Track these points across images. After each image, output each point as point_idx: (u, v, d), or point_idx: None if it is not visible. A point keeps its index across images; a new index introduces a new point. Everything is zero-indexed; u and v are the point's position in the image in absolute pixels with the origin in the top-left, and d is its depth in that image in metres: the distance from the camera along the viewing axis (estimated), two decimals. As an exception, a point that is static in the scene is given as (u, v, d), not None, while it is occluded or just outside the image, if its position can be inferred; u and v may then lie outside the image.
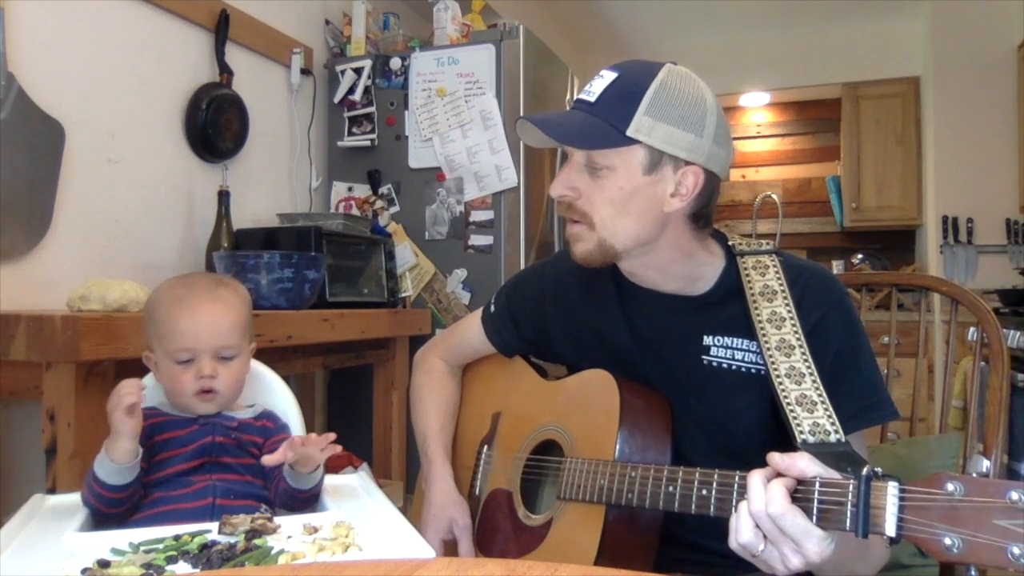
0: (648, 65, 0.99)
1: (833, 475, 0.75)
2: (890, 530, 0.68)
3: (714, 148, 0.97)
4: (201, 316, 0.99)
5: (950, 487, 0.65)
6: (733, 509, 0.80)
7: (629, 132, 0.94)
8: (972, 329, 2.45)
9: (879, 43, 4.28)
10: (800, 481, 0.75)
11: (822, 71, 4.37)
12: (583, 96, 0.99)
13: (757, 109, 4.79)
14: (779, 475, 0.77)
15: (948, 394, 1.41)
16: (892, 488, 0.68)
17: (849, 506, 0.71)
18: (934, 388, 3.67)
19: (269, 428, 1.04)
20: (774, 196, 4.36)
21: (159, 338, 1.00)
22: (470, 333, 1.32)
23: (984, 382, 1.23)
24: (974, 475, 0.66)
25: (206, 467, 0.98)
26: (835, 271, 4.20)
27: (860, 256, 4.45)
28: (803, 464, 0.75)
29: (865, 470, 0.70)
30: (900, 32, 4.24)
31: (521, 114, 2.37)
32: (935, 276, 2.28)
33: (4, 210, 1.54)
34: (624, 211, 0.97)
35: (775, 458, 0.77)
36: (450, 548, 1.18)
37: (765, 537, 0.75)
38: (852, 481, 0.71)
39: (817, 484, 0.74)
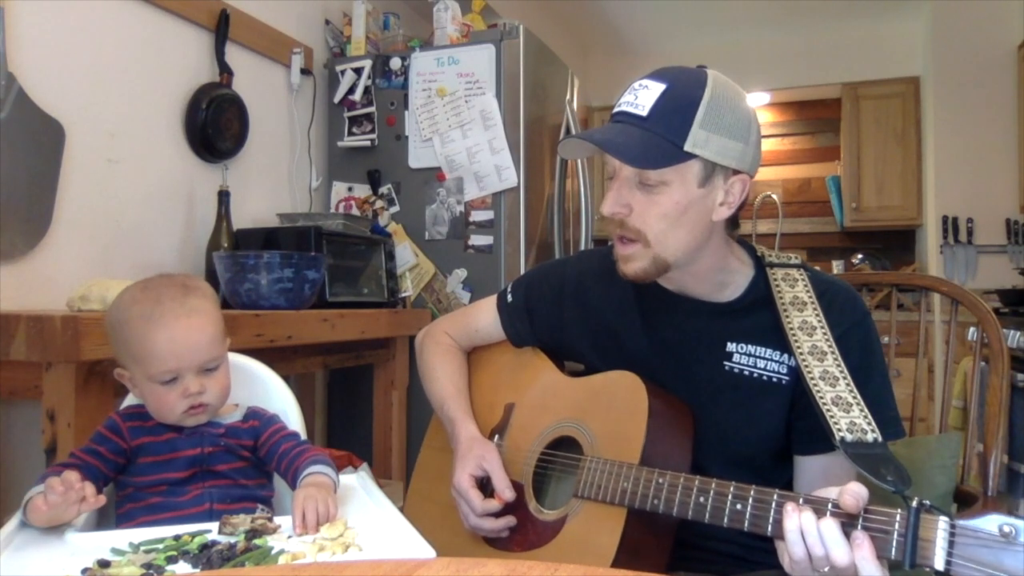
0: (692, 73, 0.97)
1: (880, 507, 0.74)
2: (939, 564, 0.68)
3: (756, 154, 0.99)
4: (178, 335, 0.93)
5: (1006, 529, 0.64)
6: (768, 528, 0.80)
7: (687, 147, 0.93)
8: (972, 329, 2.45)
9: (879, 43, 4.29)
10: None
11: (822, 71, 4.37)
12: (630, 110, 0.96)
13: (757, 109, 4.74)
14: (818, 510, 0.75)
15: (948, 394, 1.42)
16: (943, 523, 0.68)
17: (896, 535, 0.71)
18: (934, 388, 3.67)
19: (257, 428, 1.02)
20: (774, 196, 4.35)
21: (135, 360, 0.94)
22: (483, 318, 1.31)
23: (984, 382, 1.23)
24: None
25: (198, 476, 0.96)
26: (835, 271, 4.21)
27: (860, 256, 4.44)
28: (866, 495, 0.74)
29: (915, 502, 0.70)
30: (900, 32, 4.24)
31: (521, 114, 2.38)
32: (935, 276, 2.28)
33: (4, 210, 1.54)
34: (678, 224, 0.97)
35: (848, 502, 0.73)
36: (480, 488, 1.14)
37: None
38: (899, 511, 0.71)
39: (862, 512, 0.74)
